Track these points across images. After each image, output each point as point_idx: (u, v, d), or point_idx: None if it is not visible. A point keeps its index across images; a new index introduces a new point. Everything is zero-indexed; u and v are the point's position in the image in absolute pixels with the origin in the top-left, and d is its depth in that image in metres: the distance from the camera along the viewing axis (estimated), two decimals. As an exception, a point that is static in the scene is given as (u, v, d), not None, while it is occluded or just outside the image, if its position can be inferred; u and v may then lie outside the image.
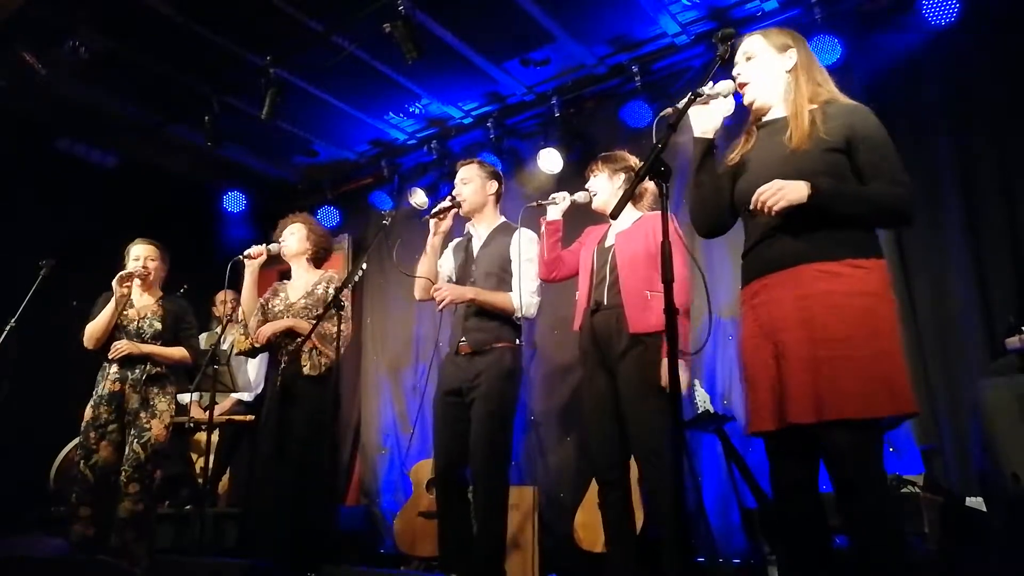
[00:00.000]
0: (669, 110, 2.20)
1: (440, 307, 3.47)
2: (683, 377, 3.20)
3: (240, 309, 3.86)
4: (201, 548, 4.07)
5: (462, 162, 3.76)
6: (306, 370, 3.72)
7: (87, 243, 5.10)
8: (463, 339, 3.50)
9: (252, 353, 3.94)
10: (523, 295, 3.42)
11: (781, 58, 2.29)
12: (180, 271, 4.42)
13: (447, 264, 3.76)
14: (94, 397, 3.84)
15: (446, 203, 3.57)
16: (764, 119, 2.34)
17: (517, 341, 3.49)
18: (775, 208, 2.05)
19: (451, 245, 3.81)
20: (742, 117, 2.44)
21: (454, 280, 3.69)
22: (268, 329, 3.79)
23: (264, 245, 3.93)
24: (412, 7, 4.26)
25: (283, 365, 3.79)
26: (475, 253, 3.65)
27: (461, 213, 3.66)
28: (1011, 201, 3.83)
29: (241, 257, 3.89)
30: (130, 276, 3.86)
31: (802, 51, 2.29)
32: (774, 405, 2.08)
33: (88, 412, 3.82)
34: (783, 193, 2.04)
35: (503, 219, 3.72)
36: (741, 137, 2.39)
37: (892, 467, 3.64)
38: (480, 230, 3.70)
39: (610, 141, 4.88)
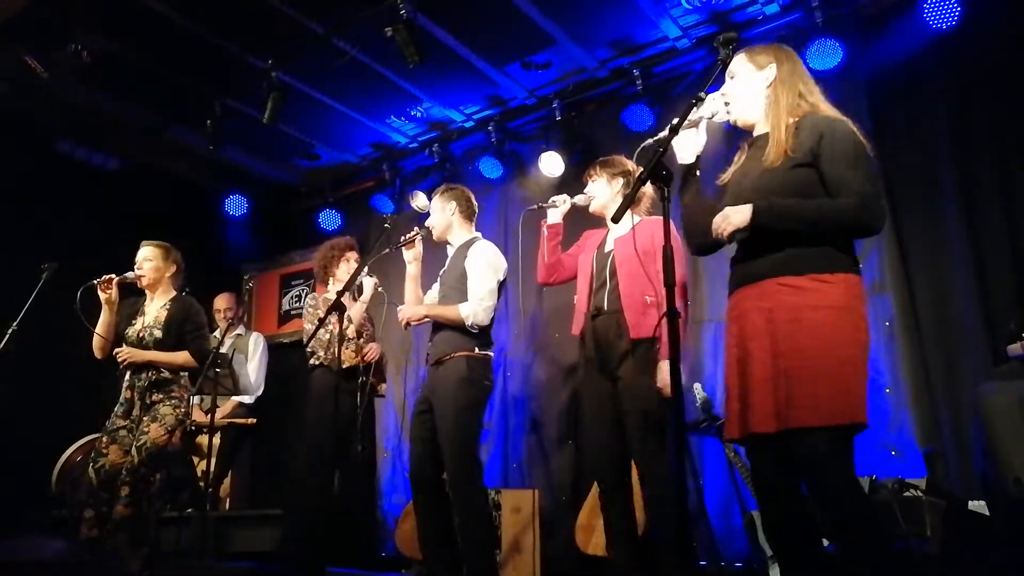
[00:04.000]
0: (650, 141, 2.28)
1: (404, 328, 3.75)
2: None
3: (351, 327, 4.15)
4: (203, 551, 4.08)
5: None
6: (382, 389, 4.39)
7: (89, 246, 5.11)
8: (429, 352, 3.70)
9: (355, 370, 4.18)
10: (469, 304, 3.57)
11: (760, 75, 2.33)
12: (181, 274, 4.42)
13: (436, 291, 3.90)
14: (117, 405, 3.88)
15: (412, 233, 3.76)
16: (753, 136, 2.39)
17: (476, 349, 3.58)
18: (724, 234, 2.17)
19: (441, 272, 3.97)
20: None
21: (438, 302, 3.85)
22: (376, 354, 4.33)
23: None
24: (414, 10, 4.26)
25: (362, 379, 4.21)
26: (445, 271, 3.85)
27: (434, 239, 3.85)
28: (1012, 204, 3.83)
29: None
30: (108, 282, 3.87)
31: (784, 65, 2.32)
32: (740, 414, 2.15)
33: (111, 418, 3.86)
34: (729, 220, 2.16)
35: (473, 235, 3.86)
36: (735, 155, 2.44)
37: (894, 470, 3.64)
38: (452, 250, 3.87)
39: (611, 144, 4.86)
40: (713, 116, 2.35)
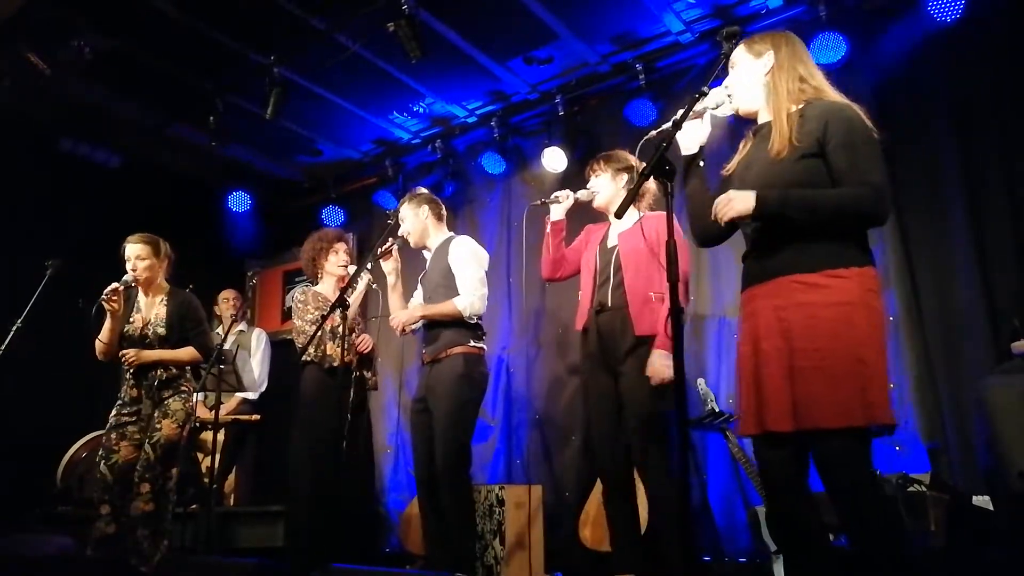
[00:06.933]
0: (653, 133, 2.26)
1: (399, 334, 3.79)
2: (667, 369, 3.06)
3: (343, 324, 3.82)
4: (208, 547, 4.09)
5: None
6: (373, 383, 4.27)
7: (91, 243, 5.10)
8: (424, 350, 3.73)
9: (349, 367, 4.09)
10: (463, 297, 3.62)
11: (758, 63, 2.32)
12: (185, 270, 4.41)
13: (420, 295, 3.93)
14: (117, 401, 3.87)
15: (388, 244, 3.81)
16: (757, 124, 2.38)
17: (472, 343, 3.64)
18: (723, 219, 2.14)
19: (421, 276, 4.00)
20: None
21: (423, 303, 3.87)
22: (369, 345, 4.22)
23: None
24: (415, 6, 4.25)
25: (356, 375, 4.12)
26: (426, 273, 3.90)
27: (412, 246, 3.91)
28: (1016, 199, 3.81)
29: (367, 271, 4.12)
30: (115, 292, 3.77)
31: (782, 51, 2.29)
32: (755, 411, 2.13)
33: (112, 415, 3.84)
34: (732, 204, 2.13)
35: (448, 234, 3.93)
36: (740, 143, 2.42)
37: (898, 465, 3.64)
38: (429, 253, 3.91)
39: (614, 139, 4.87)
40: (717, 107, 2.33)
